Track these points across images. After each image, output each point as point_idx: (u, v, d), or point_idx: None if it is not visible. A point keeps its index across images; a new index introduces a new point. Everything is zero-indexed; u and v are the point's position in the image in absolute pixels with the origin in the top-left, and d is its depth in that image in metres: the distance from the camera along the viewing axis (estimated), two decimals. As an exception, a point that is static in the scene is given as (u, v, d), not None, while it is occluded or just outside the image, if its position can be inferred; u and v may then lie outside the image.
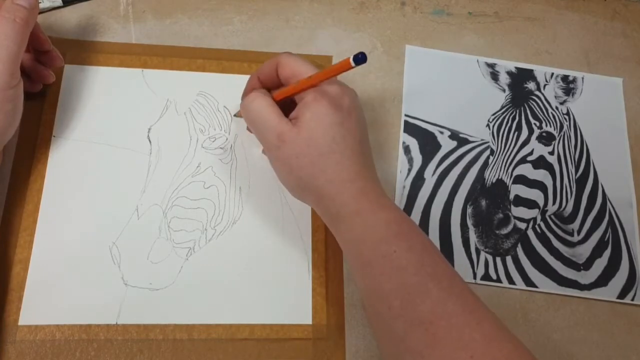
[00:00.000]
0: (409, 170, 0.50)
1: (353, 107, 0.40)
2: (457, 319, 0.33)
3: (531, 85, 0.55)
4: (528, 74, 0.55)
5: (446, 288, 0.34)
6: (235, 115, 0.48)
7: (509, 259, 0.48)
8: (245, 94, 0.45)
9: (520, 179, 0.51)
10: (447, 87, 0.54)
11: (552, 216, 0.50)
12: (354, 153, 0.39)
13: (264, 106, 0.40)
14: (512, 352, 0.33)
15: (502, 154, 0.52)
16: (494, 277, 0.48)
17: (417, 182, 0.50)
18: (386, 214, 0.37)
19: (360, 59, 0.35)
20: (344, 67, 0.37)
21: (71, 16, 0.50)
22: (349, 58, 0.36)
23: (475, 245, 0.48)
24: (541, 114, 0.53)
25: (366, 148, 0.41)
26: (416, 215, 0.49)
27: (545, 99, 0.54)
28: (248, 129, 0.47)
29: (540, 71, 0.55)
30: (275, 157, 0.40)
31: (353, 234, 0.37)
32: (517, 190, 0.50)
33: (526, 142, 0.52)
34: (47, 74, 0.45)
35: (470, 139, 0.52)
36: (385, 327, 0.35)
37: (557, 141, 0.53)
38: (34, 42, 0.43)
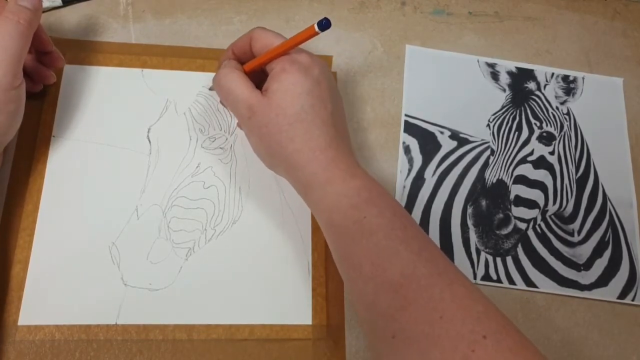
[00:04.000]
0: (409, 170, 0.50)
1: (323, 77, 0.41)
2: (427, 281, 0.33)
3: (531, 85, 0.55)
4: (528, 74, 0.55)
5: (416, 251, 0.35)
6: (210, 89, 0.49)
7: (509, 259, 0.48)
8: (219, 66, 0.45)
9: (521, 179, 0.51)
10: (448, 87, 0.54)
11: (553, 216, 0.50)
12: (324, 123, 0.39)
13: (235, 79, 0.41)
14: (481, 313, 0.32)
15: (502, 154, 0.51)
16: (494, 277, 0.48)
17: (417, 182, 0.50)
18: (357, 182, 0.37)
19: (324, 24, 0.36)
20: (309, 33, 0.38)
21: (71, 16, 0.50)
22: (313, 24, 0.37)
23: (476, 245, 0.48)
24: (541, 114, 0.53)
25: (339, 119, 0.41)
26: (416, 215, 0.49)
27: (546, 99, 0.54)
28: (221, 102, 0.48)
29: (541, 71, 0.55)
30: (248, 128, 0.41)
31: (325, 203, 0.38)
32: (517, 190, 0.50)
33: (526, 142, 0.52)
34: (48, 74, 0.45)
35: (471, 139, 0.52)
36: (358, 293, 0.36)
37: (557, 141, 0.53)
38: (36, 43, 0.43)
